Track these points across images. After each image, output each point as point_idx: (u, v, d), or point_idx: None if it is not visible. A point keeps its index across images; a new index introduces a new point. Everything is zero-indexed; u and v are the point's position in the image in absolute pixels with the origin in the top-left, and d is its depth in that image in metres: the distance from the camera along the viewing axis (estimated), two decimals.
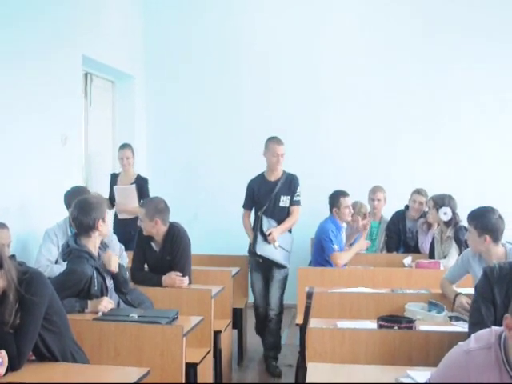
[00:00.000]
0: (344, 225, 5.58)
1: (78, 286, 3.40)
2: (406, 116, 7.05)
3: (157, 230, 4.25)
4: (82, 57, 5.68)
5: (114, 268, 3.53)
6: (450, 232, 5.20)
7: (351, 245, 5.57)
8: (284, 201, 5.22)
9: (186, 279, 4.25)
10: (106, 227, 3.59)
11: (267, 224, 5.14)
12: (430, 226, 5.72)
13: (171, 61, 7.34)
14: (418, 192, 5.95)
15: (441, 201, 5.28)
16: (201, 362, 3.75)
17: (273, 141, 5.22)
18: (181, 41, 7.33)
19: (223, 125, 7.31)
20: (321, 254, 5.41)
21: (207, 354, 3.92)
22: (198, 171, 7.29)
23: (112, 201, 6.00)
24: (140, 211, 4.33)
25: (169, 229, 4.29)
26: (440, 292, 3.94)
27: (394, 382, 2.52)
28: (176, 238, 4.28)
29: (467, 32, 6.93)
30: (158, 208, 4.27)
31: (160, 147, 7.36)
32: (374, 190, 6.24)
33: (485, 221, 3.60)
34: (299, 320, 4.27)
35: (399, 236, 6.04)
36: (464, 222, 5.06)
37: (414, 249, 5.91)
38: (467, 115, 6.96)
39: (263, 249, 5.10)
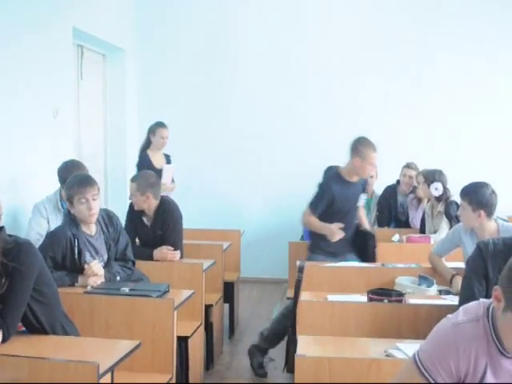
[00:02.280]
0: None
1: (58, 246, 3.39)
2: (397, 92, 7.02)
3: (148, 204, 4.24)
4: (73, 29, 5.60)
5: (100, 276, 3.49)
6: (440, 207, 5.22)
7: None
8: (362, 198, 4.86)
9: (178, 253, 4.25)
10: (76, 212, 3.45)
11: None
12: (420, 201, 5.74)
13: (162, 34, 7.26)
14: (408, 166, 5.97)
15: (431, 176, 5.28)
16: (192, 335, 3.77)
17: (369, 147, 4.53)
18: (172, 14, 7.24)
19: (215, 97, 7.26)
20: None
21: (198, 327, 3.94)
22: (190, 145, 7.25)
23: None
24: (131, 186, 4.31)
25: (160, 203, 4.28)
26: (430, 266, 3.96)
27: (383, 354, 2.54)
28: (167, 212, 4.27)
29: (455, 13, 6.89)
30: (150, 182, 4.26)
31: (151, 120, 7.29)
32: None
33: (479, 196, 3.60)
34: (290, 294, 4.31)
35: (390, 211, 6.06)
36: (455, 197, 5.11)
37: (405, 224, 5.93)
38: (458, 91, 6.94)
39: None
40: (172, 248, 4.21)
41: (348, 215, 4.57)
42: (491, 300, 1.88)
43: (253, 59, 7.16)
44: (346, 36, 7.04)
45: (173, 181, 5.88)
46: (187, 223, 4.70)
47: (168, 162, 5.92)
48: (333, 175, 4.63)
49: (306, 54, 7.10)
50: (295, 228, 6.41)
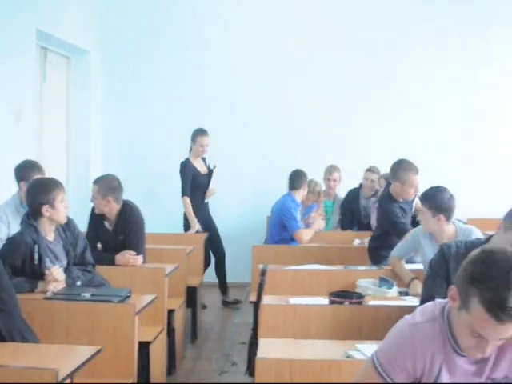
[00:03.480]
0: (300, 203, 5.64)
1: (18, 252, 3.34)
2: (360, 95, 7.10)
3: (109, 208, 4.20)
4: (36, 31, 5.53)
5: (61, 282, 3.45)
6: None
7: (306, 225, 5.65)
8: None
9: (140, 258, 4.21)
10: (56, 213, 3.47)
11: None
12: None
13: (129, 36, 7.19)
14: (370, 170, 6.04)
15: None
16: (154, 340, 3.74)
17: (409, 171, 4.50)
18: (138, 16, 7.20)
19: (181, 103, 7.23)
20: (279, 233, 5.46)
21: (160, 332, 3.91)
22: (155, 148, 7.22)
23: (202, 187, 6.06)
24: (93, 188, 4.27)
25: (122, 207, 4.25)
26: (391, 268, 4.02)
27: (343, 355, 2.57)
28: (129, 216, 4.23)
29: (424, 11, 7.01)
30: (112, 186, 4.22)
31: (116, 124, 7.25)
32: (331, 171, 6.29)
33: (438, 201, 3.66)
34: (253, 297, 4.31)
35: (353, 214, 6.12)
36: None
37: (367, 227, 5.99)
38: (419, 95, 7.04)
39: None
40: (134, 252, 4.18)
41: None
42: (447, 300, 1.92)
43: (219, 60, 7.15)
44: (309, 38, 7.08)
45: None
46: (150, 227, 4.67)
47: (206, 165, 6.15)
48: (387, 195, 4.65)
49: (277, 54, 7.11)
50: (259, 231, 6.45)
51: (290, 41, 7.10)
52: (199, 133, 5.97)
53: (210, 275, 6.05)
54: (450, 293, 1.87)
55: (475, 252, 1.84)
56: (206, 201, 6.08)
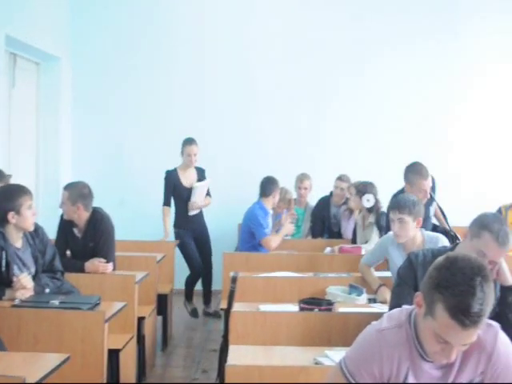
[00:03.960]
0: (270, 211, 5.66)
1: None
2: (330, 104, 7.15)
3: (78, 215, 4.17)
4: (6, 36, 5.47)
5: (29, 289, 3.42)
6: (371, 218, 5.34)
7: (277, 231, 5.67)
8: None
9: (110, 265, 4.19)
10: (23, 220, 3.43)
11: None
12: (352, 212, 5.86)
13: (99, 42, 7.15)
14: (340, 178, 6.10)
15: (363, 188, 5.41)
16: (123, 348, 3.72)
17: (417, 174, 4.46)
18: (109, 21, 7.16)
19: (151, 110, 7.21)
20: (249, 240, 5.48)
21: (130, 340, 3.89)
22: (125, 156, 7.18)
23: (186, 199, 5.93)
24: (63, 193, 4.23)
25: (92, 214, 4.22)
26: (360, 275, 4.06)
27: (312, 361, 2.59)
28: (99, 223, 4.20)
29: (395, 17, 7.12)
30: (82, 193, 4.19)
31: (86, 131, 7.20)
32: (302, 179, 6.34)
33: (415, 205, 3.73)
34: (224, 305, 4.31)
35: (324, 222, 6.16)
36: (385, 208, 5.26)
37: (337, 234, 6.05)
38: (387, 104, 7.11)
39: None
40: (104, 260, 4.15)
41: None
42: (413, 306, 1.95)
43: (190, 66, 7.15)
44: (282, 46, 7.12)
45: (209, 195, 6.12)
46: (120, 235, 4.65)
47: (201, 176, 6.04)
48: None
49: (248, 62, 7.13)
50: (230, 239, 6.46)
51: (260, 48, 7.13)
52: (186, 142, 5.93)
53: (181, 282, 6.04)
54: (415, 299, 1.91)
55: (440, 259, 1.88)
56: (190, 213, 5.94)
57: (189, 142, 5.92)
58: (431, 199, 4.67)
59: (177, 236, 5.95)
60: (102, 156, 7.17)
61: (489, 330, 1.93)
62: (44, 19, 6.37)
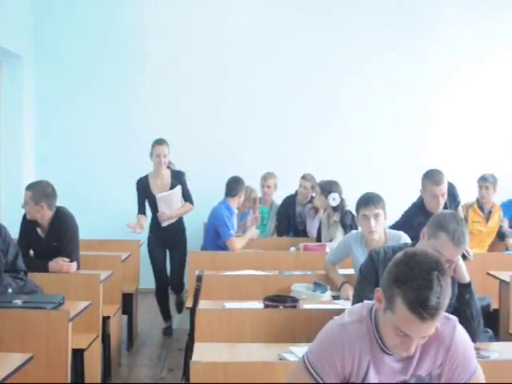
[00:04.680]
0: (236, 210, 5.68)
1: None
2: (296, 103, 7.20)
3: (42, 214, 4.13)
4: None
5: None
6: (336, 216, 5.40)
7: (243, 231, 5.70)
8: None
9: (74, 265, 4.16)
10: None
11: None
12: (317, 210, 5.92)
13: (63, 41, 7.08)
14: (304, 177, 6.16)
15: (328, 187, 5.46)
16: (88, 347, 3.71)
17: (430, 180, 4.21)
18: (73, 19, 7.09)
19: (115, 109, 7.17)
20: (214, 239, 5.48)
21: (95, 339, 3.88)
22: (89, 155, 7.12)
23: (150, 208, 5.56)
24: (25, 194, 4.19)
25: (55, 214, 4.18)
26: (325, 273, 4.11)
27: (277, 357, 2.62)
28: (63, 223, 4.17)
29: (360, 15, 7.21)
30: (45, 192, 4.15)
31: (49, 130, 7.12)
32: (266, 177, 6.37)
33: (383, 201, 3.81)
34: (189, 303, 4.32)
35: (289, 221, 6.21)
36: (349, 207, 5.34)
37: (303, 233, 6.10)
38: (352, 102, 7.19)
39: None
40: (68, 259, 4.12)
41: None
42: (374, 301, 2.00)
43: (156, 65, 7.13)
44: (250, 42, 7.17)
45: (189, 201, 5.62)
46: (85, 234, 4.62)
47: (178, 180, 5.53)
48: (419, 204, 4.39)
49: (213, 57, 7.15)
50: (196, 238, 6.44)
51: (226, 49, 7.16)
52: (154, 143, 5.46)
53: (146, 281, 6.00)
54: (376, 294, 1.95)
55: (399, 255, 1.93)
56: (162, 224, 5.51)
57: (157, 142, 5.46)
58: (449, 207, 4.42)
59: (148, 241, 5.65)
60: (65, 155, 7.10)
61: (447, 323, 1.99)
62: (5, 17, 6.29)
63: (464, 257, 3.90)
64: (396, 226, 4.20)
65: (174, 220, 5.56)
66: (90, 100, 7.13)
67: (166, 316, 5.72)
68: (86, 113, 7.15)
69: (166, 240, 5.60)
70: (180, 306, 5.85)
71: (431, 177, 4.20)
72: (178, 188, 5.51)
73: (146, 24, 7.15)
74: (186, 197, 5.61)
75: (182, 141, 6.93)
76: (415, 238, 3.68)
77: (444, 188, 4.16)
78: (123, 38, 7.12)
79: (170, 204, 5.49)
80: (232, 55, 7.18)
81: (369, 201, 3.77)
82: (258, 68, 7.19)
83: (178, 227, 5.64)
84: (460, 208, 4.54)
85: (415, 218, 4.19)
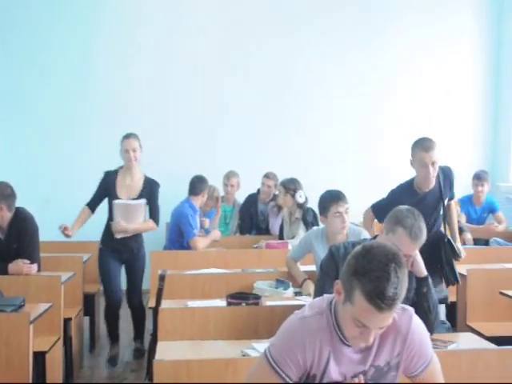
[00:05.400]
0: (198, 209, 5.68)
1: None
2: (257, 102, 7.23)
3: (1, 216, 4.06)
4: None
5: None
6: (298, 214, 5.45)
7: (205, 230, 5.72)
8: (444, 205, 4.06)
9: (34, 266, 4.11)
10: None
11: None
12: (279, 208, 5.96)
13: (20, 39, 6.96)
14: (267, 176, 6.20)
15: (293, 185, 5.50)
16: (49, 350, 3.67)
17: (417, 145, 3.91)
18: (30, 18, 6.98)
19: (75, 107, 7.09)
20: (177, 239, 5.47)
21: (57, 341, 3.84)
22: (50, 155, 7.02)
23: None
24: None
25: (14, 215, 4.12)
26: (287, 270, 4.15)
27: (240, 354, 2.65)
28: (22, 224, 4.11)
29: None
30: (4, 194, 4.09)
31: (5, 129, 7.00)
32: (229, 176, 6.38)
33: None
34: (152, 303, 4.31)
35: (252, 219, 6.24)
36: (309, 204, 5.40)
37: (265, 231, 6.13)
38: (315, 100, 7.27)
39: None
40: (28, 261, 4.07)
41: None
42: (333, 295, 2.04)
43: (115, 63, 7.07)
44: (208, 39, 7.17)
45: (154, 219, 4.91)
46: (45, 235, 4.57)
47: (150, 189, 4.87)
48: (406, 184, 4.07)
49: (172, 56, 7.14)
50: (158, 238, 6.41)
51: (179, 52, 7.15)
52: (123, 137, 4.85)
53: None
54: (335, 287, 1.99)
55: (357, 248, 1.97)
56: (116, 236, 4.80)
57: (125, 136, 4.85)
58: (441, 193, 3.98)
59: (99, 253, 4.92)
60: (24, 156, 6.99)
61: (403, 314, 2.04)
62: None
63: (456, 255, 3.85)
64: (381, 206, 3.98)
65: (126, 235, 4.84)
66: (50, 98, 7.03)
67: (114, 339, 4.96)
68: (46, 111, 7.05)
69: (121, 253, 4.88)
70: (138, 353, 4.98)
71: (420, 143, 3.89)
72: (143, 202, 4.83)
73: (103, 19, 7.08)
74: (153, 213, 4.91)
75: (142, 139, 6.89)
76: None
77: (434, 156, 3.81)
78: (81, 34, 7.03)
79: (130, 216, 4.78)
80: (184, 58, 7.17)
81: (340, 197, 3.83)
82: (218, 67, 7.20)
83: (136, 239, 4.93)
84: (452, 203, 4.20)
85: (400, 198, 3.78)
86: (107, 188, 4.83)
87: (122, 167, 4.89)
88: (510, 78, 7.33)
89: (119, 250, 4.87)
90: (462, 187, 6.44)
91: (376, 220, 4.22)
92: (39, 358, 3.54)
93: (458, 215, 6.07)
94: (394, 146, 7.22)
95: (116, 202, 4.73)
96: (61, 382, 4.04)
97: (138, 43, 7.10)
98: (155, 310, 3.78)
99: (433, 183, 3.90)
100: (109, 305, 4.91)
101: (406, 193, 3.94)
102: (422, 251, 3.28)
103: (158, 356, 2.60)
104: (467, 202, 6.44)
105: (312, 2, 7.32)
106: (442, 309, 4.09)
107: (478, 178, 6.33)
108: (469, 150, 7.47)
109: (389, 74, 7.36)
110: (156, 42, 7.13)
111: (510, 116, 7.31)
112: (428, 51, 7.37)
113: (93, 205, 4.92)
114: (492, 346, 2.90)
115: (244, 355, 2.63)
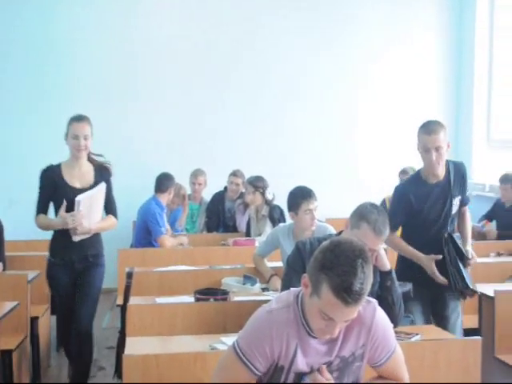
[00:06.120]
0: (165, 207, 5.69)
1: None
2: (224, 99, 7.24)
3: None
4: None
5: None
6: (264, 211, 5.51)
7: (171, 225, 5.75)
8: (455, 205, 3.59)
9: (0, 265, 4.08)
10: None
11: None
12: (246, 206, 6.00)
13: None
14: (234, 174, 6.24)
15: (260, 183, 5.55)
16: (16, 348, 3.65)
17: (421, 129, 3.53)
18: None
19: (37, 105, 6.99)
20: (144, 236, 5.47)
21: (23, 340, 3.83)
22: (14, 154, 6.93)
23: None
24: None
25: None
26: (254, 266, 4.20)
27: (208, 348, 2.68)
28: None
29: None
30: None
31: None
32: (196, 174, 6.41)
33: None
34: (120, 301, 4.31)
35: (219, 217, 6.28)
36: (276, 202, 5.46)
37: (232, 228, 6.17)
38: (281, 98, 7.32)
39: (469, 279, 3.47)
40: None
41: (435, 226, 3.54)
42: (300, 288, 2.09)
43: (72, 61, 7.01)
44: (177, 35, 7.15)
45: (112, 213, 4.00)
46: (10, 234, 4.53)
47: (103, 179, 3.91)
48: (414, 174, 3.78)
49: (134, 52, 7.11)
50: (124, 236, 6.39)
51: (142, 46, 7.11)
52: (70, 120, 3.88)
53: None
54: (302, 281, 2.04)
55: (325, 243, 2.02)
56: (74, 239, 3.77)
57: (75, 118, 3.87)
58: (450, 188, 3.53)
59: (47, 267, 3.99)
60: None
61: (368, 306, 2.10)
62: None
63: (463, 259, 3.43)
64: (391, 213, 3.43)
65: (86, 236, 3.85)
66: (11, 96, 6.93)
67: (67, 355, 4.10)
68: (7, 110, 6.95)
69: (73, 267, 3.88)
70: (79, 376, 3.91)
71: (424, 126, 3.51)
72: (103, 186, 3.88)
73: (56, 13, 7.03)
74: (110, 206, 4.00)
75: (105, 136, 6.79)
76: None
77: (438, 140, 3.40)
78: (32, 32, 6.94)
79: (92, 210, 3.82)
80: (151, 53, 7.14)
81: (311, 195, 3.88)
82: (185, 63, 7.18)
83: (94, 244, 3.95)
84: (467, 209, 3.71)
85: (405, 193, 3.54)
86: (53, 184, 3.85)
87: (64, 161, 3.95)
88: (471, 70, 7.45)
89: (71, 259, 3.87)
90: None
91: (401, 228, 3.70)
92: (5, 356, 3.53)
93: None
94: (358, 149, 7.37)
95: (78, 198, 3.67)
96: (28, 380, 4.02)
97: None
98: (123, 307, 3.80)
99: (438, 170, 3.48)
100: (64, 329, 4.04)
101: (413, 184, 3.61)
102: (429, 251, 3.32)
103: (127, 351, 2.62)
104: None
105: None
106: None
107: None
108: None
109: (354, 68, 7.45)
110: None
111: (471, 110, 7.44)
112: (393, 43, 7.50)
113: (45, 210, 3.93)
114: (453, 336, 2.99)
115: (212, 349, 2.67)
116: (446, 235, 3.49)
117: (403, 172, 6.25)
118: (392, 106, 7.54)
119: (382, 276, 2.94)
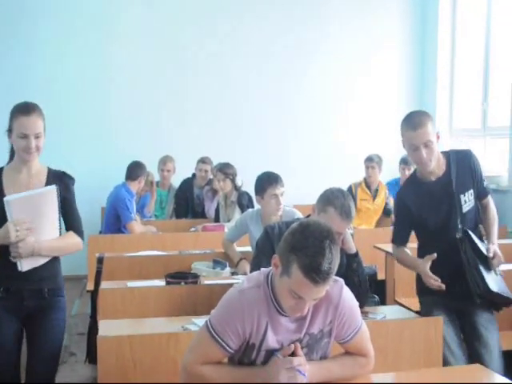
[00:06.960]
0: (134, 193, 5.72)
1: None
2: (191, 85, 7.22)
3: None
4: None
5: None
6: (233, 197, 5.58)
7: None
8: (468, 200, 3.14)
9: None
10: None
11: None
12: (215, 192, 6.07)
13: None
14: (203, 161, 6.28)
15: (229, 169, 5.60)
16: None
17: (403, 123, 3.11)
18: None
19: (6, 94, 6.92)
20: (114, 222, 5.50)
21: None
22: None
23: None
24: None
25: None
26: (223, 251, 4.27)
27: (180, 329, 2.75)
28: None
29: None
30: None
31: None
32: (165, 161, 6.43)
33: None
34: (90, 287, 4.33)
35: (187, 203, 6.33)
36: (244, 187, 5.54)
37: (201, 215, 6.24)
38: (247, 87, 7.37)
39: (495, 282, 3.03)
40: None
41: (447, 229, 3.11)
42: (270, 268, 2.17)
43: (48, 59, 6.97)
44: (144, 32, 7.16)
45: (75, 229, 2.97)
46: None
47: (58, 182, 2.90)
48: (410, 176, 3.39)
49: (106, 42, 7.09)
50: (93, 223, 6.40)
51: (112, 39, 7.10)
52: (16, 111, 2.82)
53: None
54: (273, 261, 2.12)
55: (294, 225, 2.10)
56: (20, 268, 2.73)
57: (22, 110, 2.81)
58: (451, 183, 3.10)
59: None
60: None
61: (335, 285, 2.19)
62: None
63: (485, 259, 2.99)
64: (396, 222, 3.33)
65: (42, 261, 2.83)
66: None
67: None
68: None
69: (24, 302, 2.85)
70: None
71: (406, 120, 3.08)
72: (52, 189, 2.82)
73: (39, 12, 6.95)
74: (71, 221, 2.96)
75: (73, 124, 6.81)
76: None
77: (427, 134, 2.98)
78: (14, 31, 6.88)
79: (37, 221, 2.75)
80: (120, 45, 7.13)
81: (277, 180, 3.95)
82: (150, 50, 7.18)
83: (52, 276, 2.94)
84: (489, 201, 3.24)
85: (403, 197, 3.24)
86: None
87: (8, 165, 2.94)
88: (433, 62, 7.59)
89: (21, 294, 2.83)
90: (389, 171, 6.74)
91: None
92: None
93: (386, 197, 6.33)
94: (324, 135, 7.46)
95: (7, 198, 2.69)
96: None
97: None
98: (94, 292, 3.84)
99: (432, 167, 3.07)
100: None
101: (409, 187, 3.25)
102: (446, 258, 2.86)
103: (100, 333, 2.66)
104: (395, 186, 6.69)
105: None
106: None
107: (405, 162, 6.56)
108: (397, 135, 7.74)
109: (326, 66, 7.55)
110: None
111: (434, 100, 7.60)
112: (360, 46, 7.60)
113: None
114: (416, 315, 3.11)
115: (185, 329, 2.73)
116: (459, 235, 3.05)
117: (369, 159, 6.31)
118: (358, 99, 7.63)
119: (349, 258, 3.04)
